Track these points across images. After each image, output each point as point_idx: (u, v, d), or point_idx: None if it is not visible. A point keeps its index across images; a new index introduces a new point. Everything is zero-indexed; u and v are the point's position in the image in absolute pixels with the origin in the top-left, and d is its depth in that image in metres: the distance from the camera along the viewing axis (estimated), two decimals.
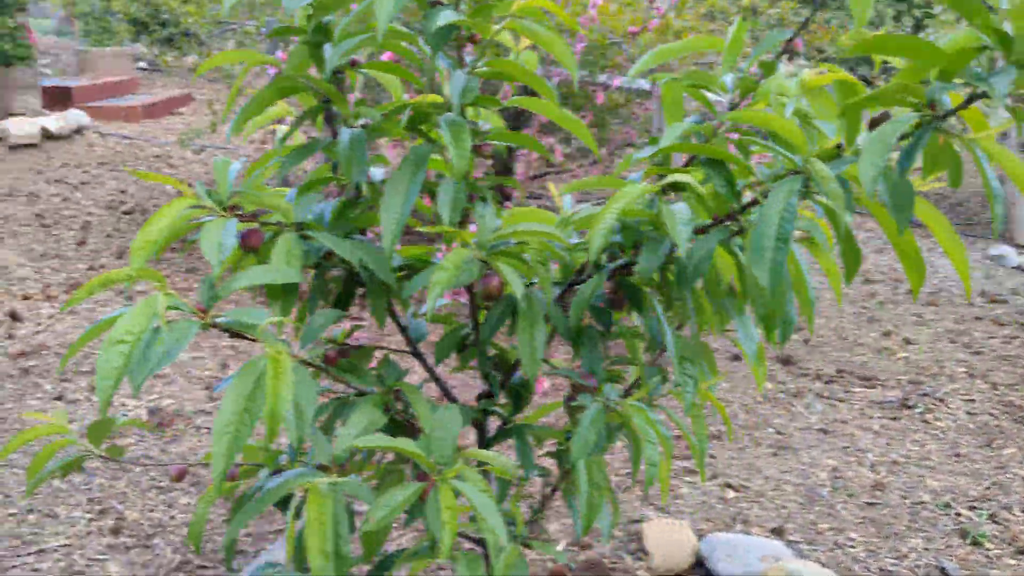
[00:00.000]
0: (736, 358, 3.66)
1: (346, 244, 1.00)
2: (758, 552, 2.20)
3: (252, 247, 0.98)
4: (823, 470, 2.83)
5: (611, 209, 1.04)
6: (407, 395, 1.10)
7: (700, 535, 2.37)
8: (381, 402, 1.09)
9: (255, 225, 0.99)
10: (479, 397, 1.39)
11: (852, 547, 2.42)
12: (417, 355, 1.30)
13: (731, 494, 2.66)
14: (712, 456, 2.89)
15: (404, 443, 0.95)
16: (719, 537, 2.32)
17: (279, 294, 0.98)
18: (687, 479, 2.74)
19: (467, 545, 1.52)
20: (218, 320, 0.91)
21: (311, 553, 0.89)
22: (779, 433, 3.08)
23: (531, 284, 1.17)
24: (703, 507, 2.58)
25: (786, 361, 3.68)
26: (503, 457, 1.13)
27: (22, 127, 6.14)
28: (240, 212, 0.97)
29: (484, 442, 1.39)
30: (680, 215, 1.01)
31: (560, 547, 2.37)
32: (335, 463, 1.00)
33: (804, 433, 3.08)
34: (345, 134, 1.04)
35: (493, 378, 1.31)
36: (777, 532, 2.46)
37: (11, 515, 2.32)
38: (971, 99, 0.93)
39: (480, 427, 1.41)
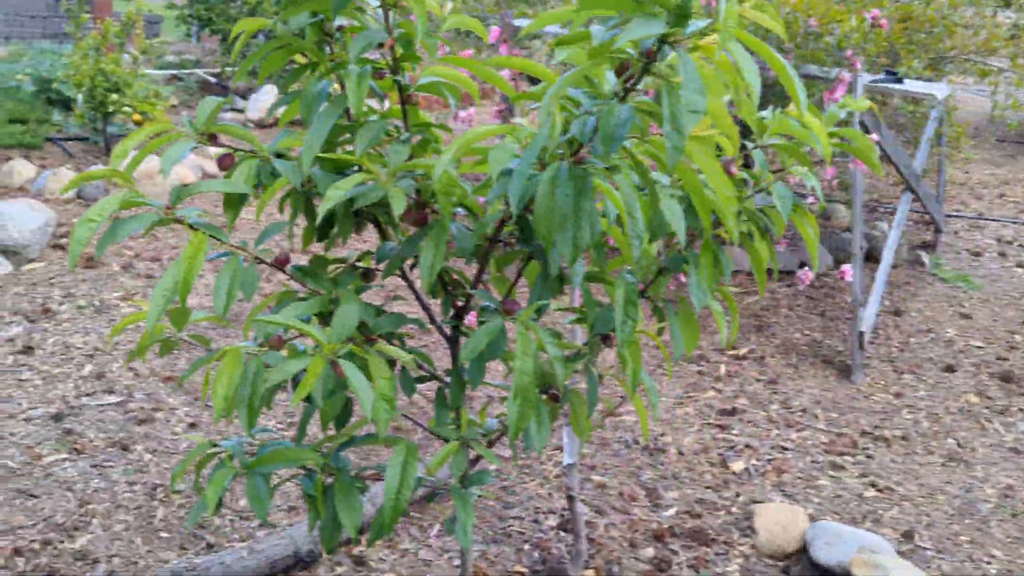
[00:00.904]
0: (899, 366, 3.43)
1: (287, 165, 1.22)
2: (857, 543, 2.15)
3: (225, 167, 1.24)
4: (994, 487, 2.63)
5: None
6: (339, 295, 1.26)
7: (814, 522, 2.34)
8: (325, 301, 1.28)
9: (228, 151, 1.25)
10: (454, 315, 1.47)
11: (987, 563, 2.26)
12: (403, 276, 1.41)
13: (872, 493, 2.57)
14: (870, 456, 2.78)
15: (298, 323, 1.14)
16: (826, 525, 2.28)
17: (234, 203, 1.23)
18: (831, 473, 2.67)
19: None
20: (178, 214, 1.17)
21: (216, 397, 1.11)
22: (960, 446, 2.88)
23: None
24: (836, 500, 2.52)
25: (1006, 378, 3.38)
26: (402, 352, 1.25)
27: None
28: (219, 142, 1.24)
29: (455, 354, 1.44)
30: (506, 148, 1.11)
31: (670, 512, 2.44)
32: (266, 341, 1.20)
33: (990, 449, 2.86)
34: (322, 84, 1.25)
35: (446, 300, 1.39)
36: (907, 536, 2.36)
37: None
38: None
39: (453, 341, 1.46)
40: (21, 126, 6.30)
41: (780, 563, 2.25)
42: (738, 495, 2.53)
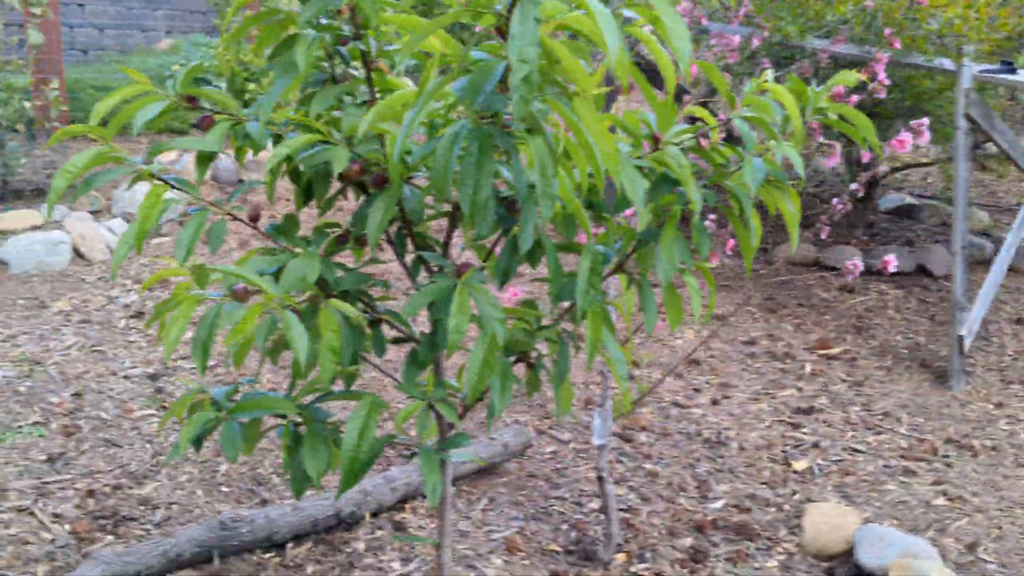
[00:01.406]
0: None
1: (252, 125, 1.28)
2: (901, 548, 2.04)
3: (203, 127, 1.31)
4: None
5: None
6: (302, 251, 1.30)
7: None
8: (289, 257, 1.32)
9: (208, 113, 1.33)
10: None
11: None
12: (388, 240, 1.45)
13: (942, 502, 2.42)
14: (948, 464, 2.63)
15: (247, 274, 1.18)
16: (874, 528, 2.17)
17: (204, 159, 1.30)
18: (901, 479, 2.54)
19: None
20: (153, 170, 1.25)
21: (167, 340, 1.17)
22: None
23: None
24: (900, 506, 2.40)
25: None
26: (350, 307, 1.27)
27: None
28: (198, 104, 1.32)
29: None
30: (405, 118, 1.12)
31: (717, 505, 2.39)
32: (230, 291, 1.25)
33: None
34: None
35: (415, 263, 1.41)
36: (971, 547, 2.22)
37: None
38: None
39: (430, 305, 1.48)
40: (172, 113, 6.77)
41: (824, 563, 2.17)
42: (794, 493, 2.45)
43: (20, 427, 2.67)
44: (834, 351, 3.42)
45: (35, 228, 4.36)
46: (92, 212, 4.72)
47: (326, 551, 2.19)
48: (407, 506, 2.38)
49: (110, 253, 4.31)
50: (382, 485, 2.35)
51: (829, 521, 2.24)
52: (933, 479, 2.54)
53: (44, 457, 2.48)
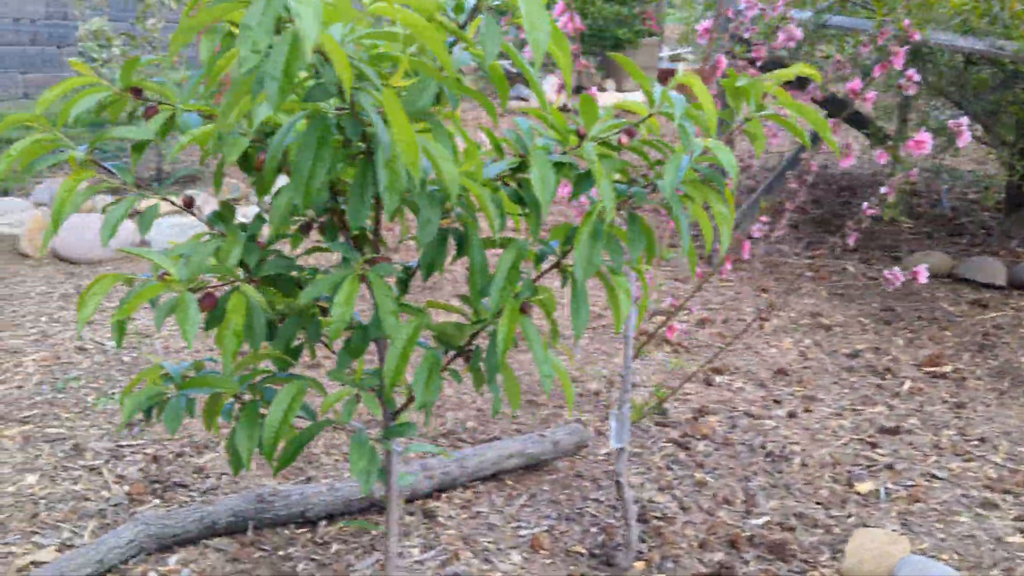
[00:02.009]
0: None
1: (192, 115, 1.31)
2: None
3: (147, 117, 1.37)
4: None
5: None
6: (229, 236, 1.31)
7: None
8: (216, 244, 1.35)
9: (154, 104, 1.38)
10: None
11: None
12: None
13: (1018, 540, 2.19)
14: None
15: (152, 255, 1.22)
16: (915, 559, 2.00)
17: (138, 148, 1.35)
18: (978, 511, 2.32)
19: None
20: (77, 157, 1.31)
21: (80, 316, 1.23)
22: None
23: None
24: (967, 541, 2.19)
25: None
26: (255, 292, 1.27)
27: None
28: (142, 95, 1.37)
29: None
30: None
31: (760, 521, 2.27)
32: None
33: None
34: None
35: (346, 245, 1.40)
36: None
37: None
38: None
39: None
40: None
41: None
42: (849, 516, 2.29)
43: (114, 394, 2.89)
44: (944, 369, 3.16)
45: (171, 212, 4.70)
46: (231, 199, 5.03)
47: (355, 531, 2.24)
48: (443, 495, 2.40)
49: None
50: (418, 472, 2.38)
51: (876, 548, 2.08)
52: (1017, 514, 2.30)
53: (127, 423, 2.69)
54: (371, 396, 1.35)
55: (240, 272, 1.30)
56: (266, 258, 1.29)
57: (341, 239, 1.35)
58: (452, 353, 1.41)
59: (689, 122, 1.17)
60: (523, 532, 2.25)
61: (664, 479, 2.47)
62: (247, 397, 1.42)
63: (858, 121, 4.31)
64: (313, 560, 2.13)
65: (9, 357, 3.15)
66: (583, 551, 2.19)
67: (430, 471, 2.40)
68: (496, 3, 1.02)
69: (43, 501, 2.29)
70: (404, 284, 1.38)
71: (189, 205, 1.41)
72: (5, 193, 5.16)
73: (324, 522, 2.27)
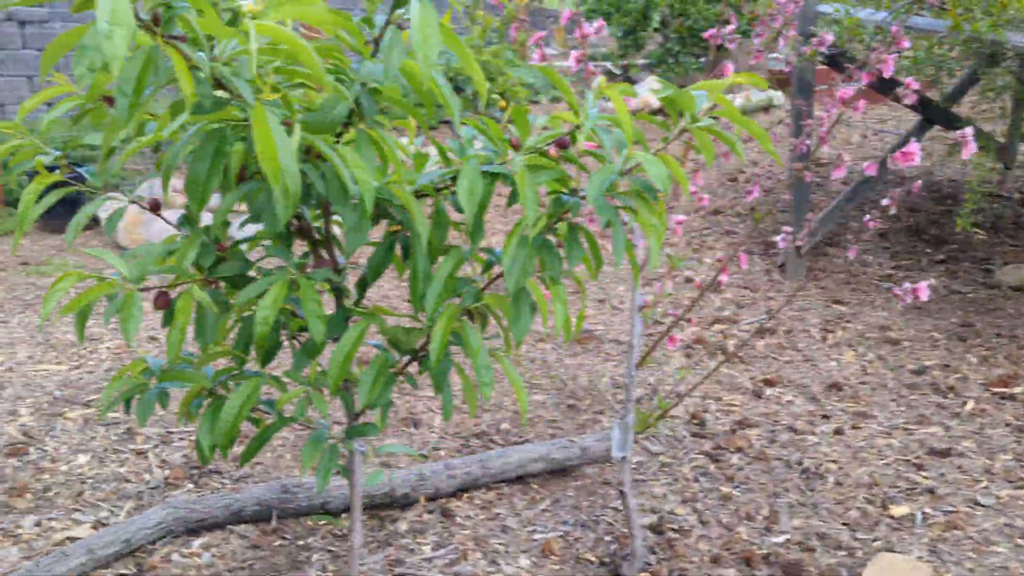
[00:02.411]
0: None
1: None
2: None
3: (109, 102, 1.44)
4: None
5: None
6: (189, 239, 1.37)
7: None
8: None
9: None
10: None
11: None
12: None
13: None
14: None
15: (103, 254, 1.27)
16: None
17: (108, 153, 1.42)
18: (1019, 541, 2.18)
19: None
20: (46, 162, 1.38)
21: (44, 308, 1.30)
22: None
23: None
24: (999, 572, 2.07)
25: None
26: (203, 294, 1.31)
27: None
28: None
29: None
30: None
31: (779, 539, 2.20)
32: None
33: None
34: None
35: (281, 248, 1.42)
36: None
37: None
38: None
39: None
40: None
41: None
42: (875, 540, 2.20)
43: None
44: (1014, 390, 2.98)
45: None
46: None
47: (373, 526, 2.30)
48: (465, 495, 2.43)
49: None
50: (441, 471, 2.42)
51: (894, 574, 1.99)
52: None
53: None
54: (319, 395, 1.39)
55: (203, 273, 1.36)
56: (223, 260, 1.34)
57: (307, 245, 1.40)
58: (408, 357, 1.44)
59: (610, 134, 1.15)
60: (537, 536, 2.26)
61: (689, 491, 2.43)
62: (221, 392, 1.48)
63: (951, 123, 4.10)
64: (329, 552, 2.20)
65: (87, 344, 3.36)
66: (593, 559, 2.18)
67: (453, 471, 2.43)
68: (407, 17, 1.04)
69: (90, 480, 2.44)
70: (362, 287, 1.41)
71: (155, 208, 1.49)
72: (115, 188, 5.48)
73: (345, 515, 2.34)
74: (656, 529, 2.26)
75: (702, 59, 9.08)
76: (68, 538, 2.19)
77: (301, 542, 2.24)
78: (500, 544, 2.22)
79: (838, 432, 2.73)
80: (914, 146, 1.49)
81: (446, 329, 1.28)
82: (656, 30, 8.56)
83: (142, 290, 1.24)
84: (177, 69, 0.90)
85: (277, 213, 1.03)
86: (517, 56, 7.64)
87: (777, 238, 2.31)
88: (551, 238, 1.28)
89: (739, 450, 2.62)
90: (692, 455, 2.61)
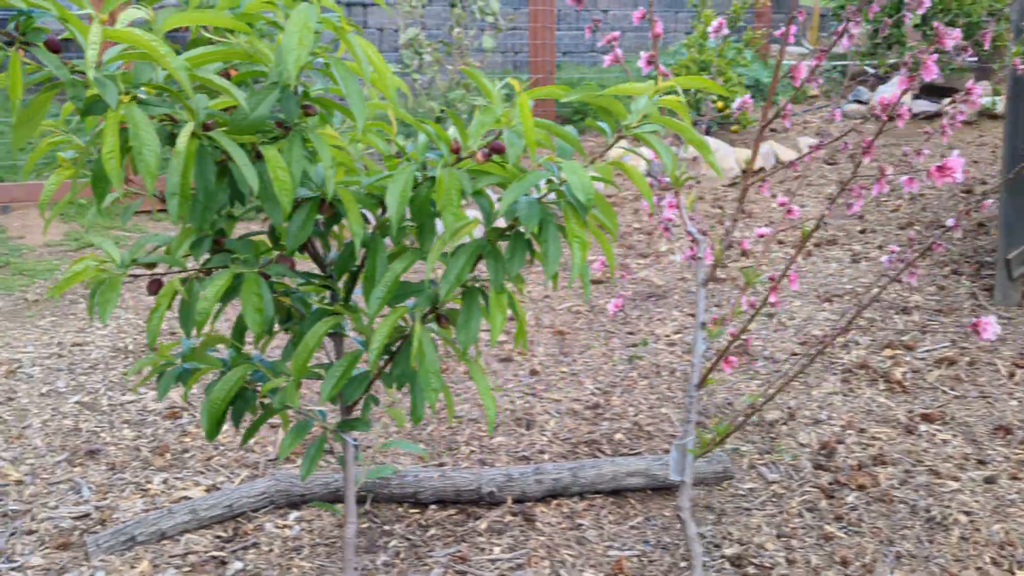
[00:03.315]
0: None
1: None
2: None
3: None
4: None
5: None
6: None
7: None
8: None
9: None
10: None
11: None
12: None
13: None
14: None
15: (100, 240, 1.35)
16: None
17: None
18: None
19: None
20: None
21: (57, 289, 1.42)
22: None
23: None
24: None
25: None
26: (179, 285, 1.36)
27: None
28: None
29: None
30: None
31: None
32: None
33: None
34: None
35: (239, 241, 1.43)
36: None
37: None
38: None
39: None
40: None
41: None
42: None
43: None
44: None
45: None
46: None
47: (457, 520, 2.34)
48: (554, 502, 2.40)
49: None
50: (529, 475, 2.41)
51: None
52: None
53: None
54: (293, 386, 1.44)
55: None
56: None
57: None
58: (385, 357, 1.45)
59: (519, 140, 1.09)
60: (612, 553, 2.19)
61: (788, 525, 2.25)
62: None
63: None
64: (407, 540, 2.26)
65: None
66: None
67: (541, 475, 2.41)
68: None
69: (222, 448, 2.68)
70: (349, 287, 1.45)
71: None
72: None
73: (434, 506, 2.39)
74: (735, 561, 2.12)
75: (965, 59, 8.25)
76: (184, 497, 2.42)
77: (387, 527, 2.33)
78: (570, 555, 2.18)
79: (989, 481, 2.40)
80: (955, 161, 1.27)
81: (386, 331, 1.28)
82: (916, 27, 7.90)
83: (138, 276, 1.36)
84: (10, 71, 0.98)
85: (174, 210, 1.09)
86: (756, 56, 7.36)
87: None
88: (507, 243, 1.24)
89: (860, 488, 2.38)
90: (806, 487, 2.41)
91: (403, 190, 1.16)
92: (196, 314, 1.26)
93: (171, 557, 2.18)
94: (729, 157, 5.64)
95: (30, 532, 2.28)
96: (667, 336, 3.49)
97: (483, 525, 2.31)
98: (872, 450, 2.58)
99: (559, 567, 2.13)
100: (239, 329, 1.46)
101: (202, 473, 2.55)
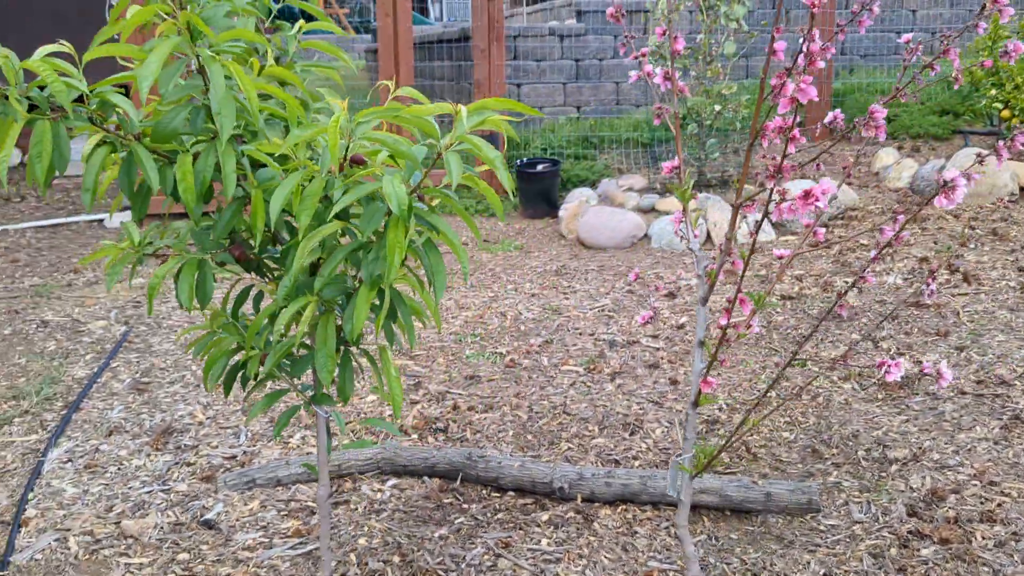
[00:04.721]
0: None
1: None
2: None
3: None
4: None
5: None
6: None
7: None
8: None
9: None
10: None
11: None
12: None
13: None
14: None
15: (128, 227, 1.64)
16: None
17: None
18: None
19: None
20: None
21: (112, 277, 1.74)
22: None
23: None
24: None
25: None
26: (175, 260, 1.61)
27: None
28: None
29: None
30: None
31: None
32: None
33: None
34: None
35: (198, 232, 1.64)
36: None
37: None
38: None
39: None
40: (941, 117, 6.55)
41: None
42: None
43: (486, 353, 3.50)
44: None
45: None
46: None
47: (525, 510, 2.48)
48: (621, 505, 2.45)
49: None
50: (600, 477, 2.49)
51: None
52: None
53: (465, 376, 3.28)
54: (255, 358, 1.67)
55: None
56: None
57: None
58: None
59: (325, 156, 1.22)
60: (651, 564, 2.22)
61: (840, 569, 2.12)
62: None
63: None
64: (475, 519, 2.45)
65: (457, 312, 4.00)
66: None
67: (611, 479, 2.48)
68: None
69: (361, 415, 3.03)
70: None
71: None
72: (580, 184, 6.14)
73: (512, 493, 2.55)
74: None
75: None
76: (310, 452, 2.79)
77: (465, 505, 2.52)
78: (608, 559, 2.24)
79: None
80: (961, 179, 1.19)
81: (287, 319, 1.47)
82: None
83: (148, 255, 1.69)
84: None
85: (87, 203, 1.36)
86: None
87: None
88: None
89: (943, 542, 2.17)
90: (884, 532, 2.24)
91: (286, 194, 1.35)
92: (149, 289, 1.56)
93: (277, 501, 2.55)
94: (1004, 173, 5.07)
95: (189, 464, 2.77)
96: (831, 359, 3.32)
97: (544, 517, 2.43)
98: (988, 506, 2.32)
99: (591, 568, 2.20)
100: (236, 304, 1.75)
101: (335, 435, 2.91)
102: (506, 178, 1.21)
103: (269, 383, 2.12)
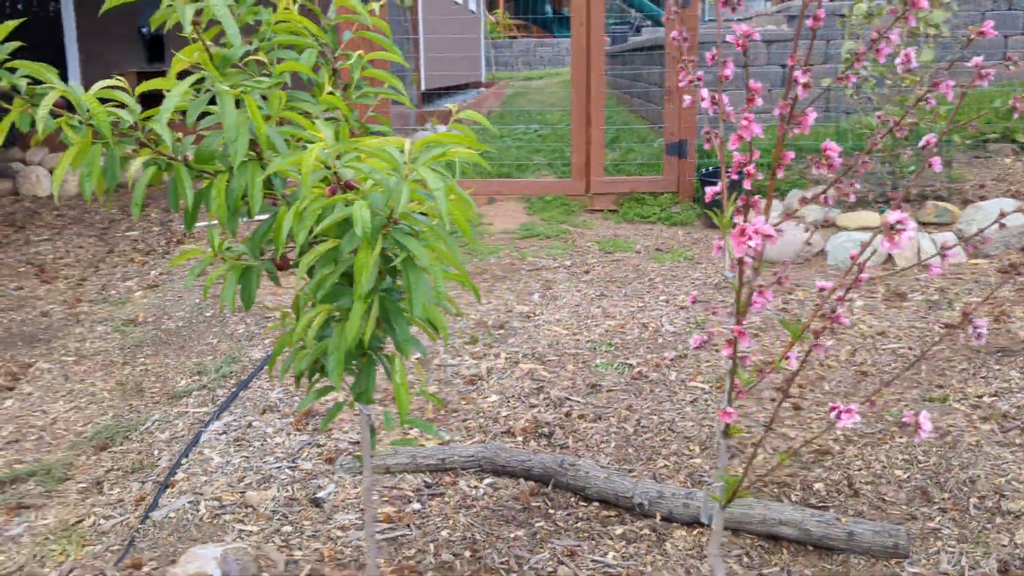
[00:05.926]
0: None
1: None
2: None
3: None
4: None
5: None
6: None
7: None
8: None
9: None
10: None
11: None
12: None
13: None
14: None
15: (211, 232, 1.85)
16: None
17: None
18: None
19: None
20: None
21: (180, 279, 1.96)
22: None
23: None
24: None
25: None
26: (235, 263, 1.79)
27: None
28: None
29: None
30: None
31: None
32: None
33: None
34: None
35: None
36: None
37: None
38: None
39: None
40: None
41: None
42: None
43: (615, 363, 3.56)
44: None
45: (863, 229, 4.83)
46: (930, 223, 4.86)
47: (605, 521, 2.54)
48: (699, 528, 2.45)
49: (917, 261, 4.49)
50: (679, 496, 2.50)
51: None
52: None
53: (588, 384, 3.36)
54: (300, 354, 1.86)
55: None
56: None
57: None
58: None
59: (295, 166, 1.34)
60: None
61: None
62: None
63: None
64: (555, 525, 2.54)
65: (601, 320, 4.07)
66: None
67: (690, 501, 2.48)
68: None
69: (482, 414, 3.19)
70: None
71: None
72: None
73: (597, 504, 2.62)
74: None
75: None
76: (420, 444, 2.99)
77: (550, 511, 2.63)
78: None
79: None
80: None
81: (302, 327, 1.64)
82: None
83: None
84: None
85: (136, 214, 1.58)
86: None
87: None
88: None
89: None
90: None
91: (291, 215, 1.53)
92: (204, 290, 1.79)
93: (382, 487, 2.77)
94: None
95: (319, 446, 3.06)
96: (977, 397, 3.08)
97: (619, 531, 2.48)
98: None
99: None
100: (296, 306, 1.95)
101: (451, 431, 3.10)
102: (445, 208, 1.31)
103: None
